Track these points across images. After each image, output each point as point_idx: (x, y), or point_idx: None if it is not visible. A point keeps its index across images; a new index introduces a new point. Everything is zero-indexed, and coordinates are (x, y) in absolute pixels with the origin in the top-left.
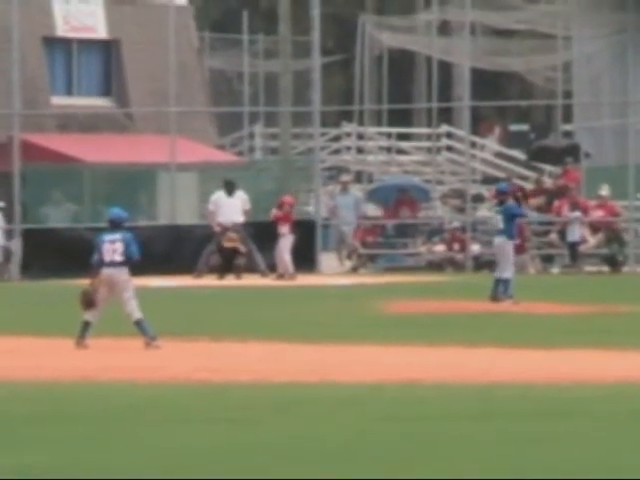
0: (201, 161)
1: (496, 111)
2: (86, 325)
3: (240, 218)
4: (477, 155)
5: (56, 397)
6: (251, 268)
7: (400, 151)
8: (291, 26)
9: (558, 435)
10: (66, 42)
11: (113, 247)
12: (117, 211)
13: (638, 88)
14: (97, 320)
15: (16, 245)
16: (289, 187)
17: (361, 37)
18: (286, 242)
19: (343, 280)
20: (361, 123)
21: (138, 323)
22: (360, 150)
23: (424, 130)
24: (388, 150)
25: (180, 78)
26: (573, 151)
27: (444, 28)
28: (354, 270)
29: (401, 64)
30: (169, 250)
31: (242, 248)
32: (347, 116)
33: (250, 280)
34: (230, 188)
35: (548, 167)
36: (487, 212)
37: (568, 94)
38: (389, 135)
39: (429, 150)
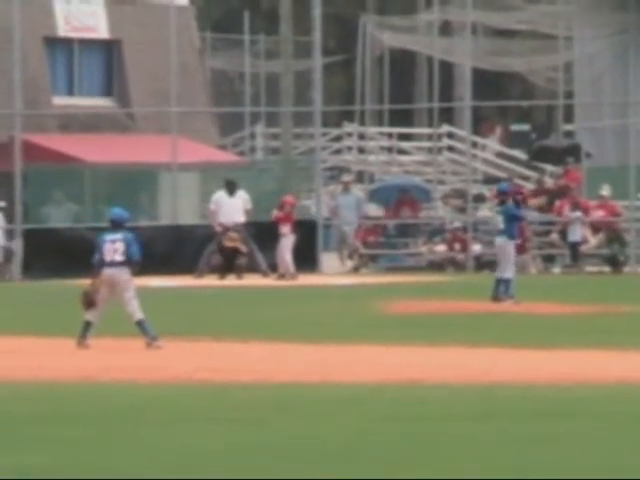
0: (202, 161)
1: (497, 111)
2: (87, 325)
3: (241, 218)
4: (478, 155)
5: (57, 397)
6: (252, 268)
7: (401, 151)
8: (292, 26)
9: (559, 435)
10: (67, 42)
11: (114, 247)
12: (118, 211)
13: (639, 88)
14: (98, 320)
15: (17, 245)
16: (290, 187)
17: (362, 37)
18: (287, 242)
19: (344, 280)
20: (362, 123)
21: (139, 323)
22: (361, 150)
23: (425, 130)
24: (389, 150)
25: (181, 78)
26: (574, 151)
27: (445, 28)
28: (355, 270)
29: (402, 64)
30: (170, 250)
31: (243, 248)
32: (348, 116)
33: (251, 280)
34: (231, 188)
35: (549, 167)
36: (488, 212)
37: (569, 94)
38: (390, 135)
39: (430, 150)
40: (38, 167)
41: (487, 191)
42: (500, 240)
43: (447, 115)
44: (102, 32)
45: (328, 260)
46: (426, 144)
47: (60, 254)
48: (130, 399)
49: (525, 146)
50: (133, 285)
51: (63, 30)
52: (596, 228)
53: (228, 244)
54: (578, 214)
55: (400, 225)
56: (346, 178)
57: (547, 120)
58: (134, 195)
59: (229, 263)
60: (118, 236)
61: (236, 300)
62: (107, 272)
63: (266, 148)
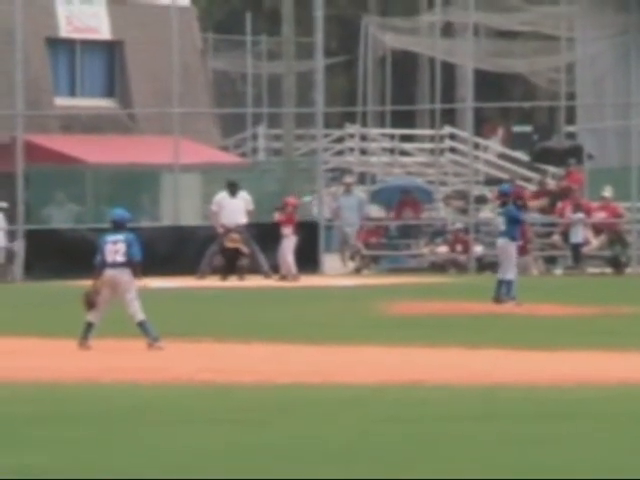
0: (204, 162)
1: (499, 112)
2: (89, 326)
3: (243, 219)
4: (480, 156)
5: (58, 398)
6: (254, 269)
7: (403, 152)
8: (294, 27)
9: (560, 436)
10: (69, 43)
11: (115, 248)
12: (120, 212)
13: None
14: (99, 321)
15: (19, 246)
16: (292, 188)
17: (364, 38)
18: (289, 243)
19: (346, 281)
20: (364, 124)
21: (141, 324)
22: (363, 151)
23: (427, 131)
24: (391, 151)
25: (183, 79)
26: (576, 152)
27: (447, 29)
28: (357, 271)
29: (404, 65)
30: (172, 251)
31: (245, 249)
32: (350, 117)
33: (253, 281)
34: (233, 189)
35: (551, 168)
36: (490, 213)
37: (571, 95)
38: (392, 136)
39: (432, 151)
40: (40, 168)
41: (489, 192)
42: (502, 241)
43: (449, 116)
44: (104, 33)
45: (330, 261)
46: (428, 145)
47: (62, 255)
48: (131, 400)
49: (527, 147)
50: (135, 286)
51: (65, 31)
52: (598, 229)
53: (230, 245)
54: (580, 215)
55: (402, 226)
56: (348, 179)
57: (549, 121)
58: (136, 196)
59: (231, 264)
60: (120, 237)
61: (238, 301)
62: (109, 273)
63: (268, 149)
